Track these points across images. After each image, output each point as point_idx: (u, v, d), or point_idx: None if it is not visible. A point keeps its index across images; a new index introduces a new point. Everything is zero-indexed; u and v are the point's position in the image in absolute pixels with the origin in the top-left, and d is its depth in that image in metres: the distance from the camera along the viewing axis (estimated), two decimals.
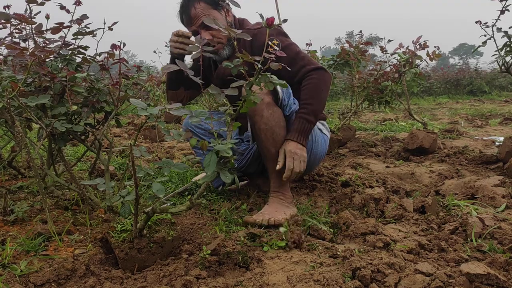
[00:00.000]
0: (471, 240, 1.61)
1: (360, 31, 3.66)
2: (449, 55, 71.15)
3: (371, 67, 5.35)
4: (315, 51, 4.19)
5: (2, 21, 1.91)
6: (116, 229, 1.65)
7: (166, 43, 6.95)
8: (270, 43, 2.03)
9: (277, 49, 2.03)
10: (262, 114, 1.93)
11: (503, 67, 2.87)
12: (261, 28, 2.13)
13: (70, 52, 2.03)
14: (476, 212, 1.87)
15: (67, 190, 2.35)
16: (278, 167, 1.91)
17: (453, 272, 1.28)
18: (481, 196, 2.10)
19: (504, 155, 2.78)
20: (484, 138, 4.34)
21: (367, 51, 3.61)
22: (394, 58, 3.84)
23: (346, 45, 3.86)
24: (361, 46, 3.81)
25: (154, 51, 6.87)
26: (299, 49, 2.10)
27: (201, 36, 1.89)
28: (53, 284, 1.39)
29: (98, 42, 2.20)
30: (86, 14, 2.22)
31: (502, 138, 3.88)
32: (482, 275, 1.19)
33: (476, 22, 2.88)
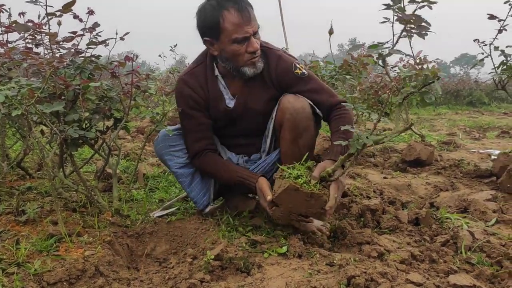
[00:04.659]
0: (461, 253, 1.70)
1: (363, 44, 3.75)
2: (451, 64, 71.45)
3: (373, 74, 5.44)
4: (318, 61, 4.28)
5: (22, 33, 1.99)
6: None
7: (171, 47, 7.07)
8: (298, 65, 2.02)
9: (306, 72, 2.02)
10: (311, 131, 1.95)
11: (499, 85, 2.97)
12: (283, 51, 2.11)
13: (83, 60, 2.12)
14: (467, 226, 1.95)
15: (75, 192, 2.44)
16: (330, 204, 1.70)
17: (441, 283, 1.37)
18: (473, 210, 2.18)
19: (498, 169, 2.87)
20: (481, 151, 4.43)
21: (369, 63, 3.71)
22: (395, 71, 3.94)
23: (349, 56, 3.95)
24: (362, 58, 3.91)
25: (159, 55, 7.00)
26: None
27: (253, 44, 1.87)
28: (64, 283, 1.48)
29: (110, 51, 2.29)
30: (97, 22, 2.31)
31: (497, 152, 3.96)
32: (468, 286, 1.28)
33: (474, 41, 2.97)
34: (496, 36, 2.91)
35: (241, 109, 2.07)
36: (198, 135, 2.09)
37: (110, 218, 2.04)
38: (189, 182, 2.14)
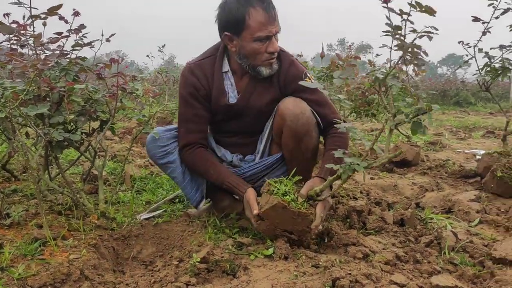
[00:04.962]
0: (445, 253, 1.72)
1: (350, 46, 3.78)
2: (438, 65, 72.12)
3: (363, 74, 5.48)
4: (306, 62, 4.30)
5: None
6: None
7: (160, 47, 7.06)
8: (309, 75, 2.04)
9: (314, 81, 1.99)
10: (312, 135, 1.96)
11: (483, 86, 3.01)
12: (295, 58, 2.13)
13: (68, 62, 2.11)
14: (451, 226, 1.98)
15: (60, 195, 2.42)
16: (316, 223, 1.75)
17: (424, 283, 1.39)
18: (457, 210, 2.22)
19: (482, 170, 2.91)
20: (466, 151, 4.49)
21: (356, 65, 3.74)
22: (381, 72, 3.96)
23: (340, 55, 3.98)
24: (350, 59, 3.94)
25: (147, 56, 6.98)
26: None
27: (274, 44, 1.90)
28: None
29: (95, 53, 2.28)
30: (83, 24, 2.30)
31: (482, 152, 4.02)
32: (450, 287, 1.30)
33: (459, 42, 3.01)
34: (480, 38, 2.95)
35: (243, 106, 2.06)
36: (193, 126, 2.08)
37: (96, 221, 2.03)
38: (181, 179, 2.14)
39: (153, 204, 2.38)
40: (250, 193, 1.90)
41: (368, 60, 3.95)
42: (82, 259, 1.66)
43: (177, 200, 2.48)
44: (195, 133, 2.08)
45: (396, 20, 1.60)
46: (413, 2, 1.46)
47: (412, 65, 1.64)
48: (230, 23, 1.90)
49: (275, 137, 2.09)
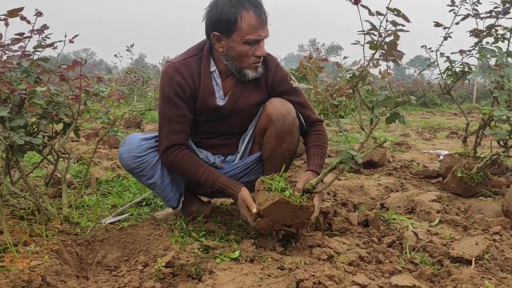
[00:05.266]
0: (406, 253, 1.77)
1: (317, 48, 3.83)
2: (406, 66, 73.81)
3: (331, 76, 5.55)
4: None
5: None
6: None
7: (128, 47, 6.95)
8: (293, 78, 2.11)
9: (297, 85, 2.12)
10: (294, 136, 2.01)
11: (444, 89, 3.11)
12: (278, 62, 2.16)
13: (30, 63, 2.06)
14: (412, 226, 2.04)
15: (23, 199, 2.36)
16: (315, 214, 1.85)
17: (384, 283, 1.43)
18: (419, 211, 2.28)
19: (444, 170, 3.01)
20: (430, 151, 4.62)
21: (323, 67, 3.79)
22: (349, 74, 4.03)
23: (312, 56, 4.02)
24: (318, 61, 3.99)
25: (115, 55, 6.87)
26: None
27: (262, 48, 1.91)
28: None
29: (58, 54, 2.24)
30: (46, 24, 2.25)
31: (446, 152, 4.15)
32: (408, 286, 1.34)
33: (422, 47, 3.09)
34: (441, 43, 3.05)
35: (231, 108, 2.05)
36: (177, 126, 2.00)
37: (59, 226, 1.99)
38: (160, 183, 2.08)
39: (119, 208, 2.35)
40: (245, 192, 1.91)
41: (336, 62, 4.01)
42: (44, 265, 1.62)
43: (144, 203, 2.46)
44: (179, 134, 2.01)
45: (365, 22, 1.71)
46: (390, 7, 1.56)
47: (390, 59, 1.73)
48: (221, 22, 1.88)
49: (257, 136, 2.10)
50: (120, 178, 2.96)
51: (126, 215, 2.24)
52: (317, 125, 2.12)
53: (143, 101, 6.77)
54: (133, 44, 6.66)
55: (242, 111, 2.07)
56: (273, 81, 2.06)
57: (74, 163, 3.50)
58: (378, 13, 1.64)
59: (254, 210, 1.80)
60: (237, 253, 1.75)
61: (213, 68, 2.03)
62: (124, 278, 1.59)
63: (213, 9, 1.91)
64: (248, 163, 2.12)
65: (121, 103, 5.72)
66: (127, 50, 6.64)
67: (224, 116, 2.07)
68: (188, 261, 1.63)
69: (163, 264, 1.57)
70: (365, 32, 1.71)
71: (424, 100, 13.42)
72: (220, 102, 2.05)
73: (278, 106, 1.98)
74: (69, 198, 2.34)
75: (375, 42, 1.71)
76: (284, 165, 1.96)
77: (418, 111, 11.79)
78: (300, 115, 2.04)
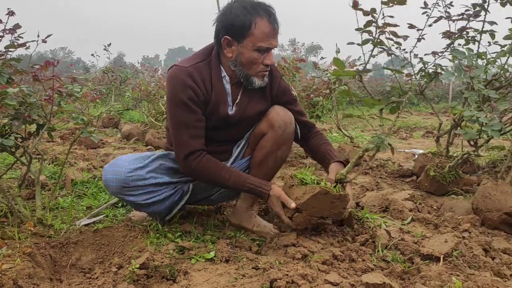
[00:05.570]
0: (378, 251, 1.81)
1: (294, 49, 3.87)
2: (385, 65, 74.68)
3: (312, 74, 5.60)
4: None
5: None
6: None
7: (105, 46, 6.87)
8: (292, 88, 2.20)
9: (296, 95, 2.22)
10: (289, 146, 2.06)
11: (418, 90, 3.17)
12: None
13: (1, 63, 2.03)
14: (385, 225, 2.08)
15: None
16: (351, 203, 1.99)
17: (356, 281, 1.46)
18: (392, 209, 2.33)
19: (418, 169, 3.07)
20: (406, 150, 4.71)
21: (300, 68, 3.82)
22: (326, 75, 4.08)
23: (292, 56, 4.05)
24: (296, 62, 4.02)
25: (92, 54, 6.79)
26: None
27: (271, 57, 1.92)
28: None
29: (31, 54, 2.21)
30: (18, 23, 2.22)
31: (420, 151, 4.23)
32: (378, 284, 1.37)
33: (396, 48, 3.15)
34: (415, 44, 3.10)
35: (239, 117, 2.04)
36: (196, 131, 1.93)
37: (32, 228, 1.96)
38: (160, 206, 2.01)
39: (94, 209, 2.33)
40: (278, 189, 1.92)
41: (313, 62, 4.05)
42: (16, 268, 1.60)
43: (119, 204, 2.44)
44: (198, 139, 1.94)
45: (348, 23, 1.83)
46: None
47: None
48: (235, 27, 1.86)
49: (252, 141, 2.10)
50: (96, 179, 2.93)
51: (101, 216, 2.22)
52: (315, 129, 2.24)
53: (121, 101, 6.70)
54: (110, 44, 6.60)
55: (247, 120, 2.08)
56: (277, 91, 2.10)
57: (49, 164, 3.45)
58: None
59: (293, 205, 1.83)
60: (212, 254, 1.76)
61: (223, 73, 2.00)
62: (98, 280, 1.58)
63: (227, 13, 1.89)
64: (243, 167, 2.11)
65: (97, 103, 5.65)
66: (104, 49, 6.58)
67: (231, 124, 2.06)
68: (162, 262, 1.63)
69: (137, 265, 1.57)
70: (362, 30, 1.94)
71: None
72: (230, 110, 2.03)
73: (282, 114, 2.01)
74: (43, 200, 2.31)
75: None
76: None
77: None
78: (297, 126, 2.10)
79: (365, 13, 2.39)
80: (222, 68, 2.00)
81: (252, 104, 2.06)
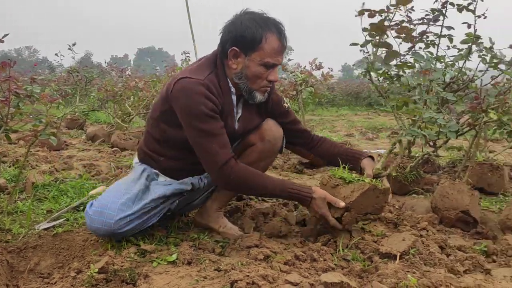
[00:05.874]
0: (339, 251, 1.84)
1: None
2: (354, 66, 75.98)
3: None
4: None
5: None
6: None
7: (70, 46, 6.73)
8: (285, 99, 2.25)
9: (289, 106, 2.26)
10: (273, 160, 2.13)
11: (380, 91, 3.24)
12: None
13: None
14: None
15: None
16: (391, 196, 2.04)
17: (315, 281, 1.48)
18: None
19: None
20: (372, 151, 4.80)
21: None
22: (293, 76, 4.12)
23: None
24: None
25: (56, 54, 6.63)
26: None
27: (275, 74, 1.92)
28: None
29: None
30: None
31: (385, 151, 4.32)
32: (336, 283, 1.40)
33: (360, 51, 3.21)
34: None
35: (241, 132, 2.05)
36: (223, 139, 1.86)
37: None
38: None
39: (55, 213, 2.28)
40: (321, 190, 1.91)
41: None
42: None
43: (81, 207, 2.39)
44: (228, 147, 1.87)
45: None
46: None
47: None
48: (245, 39, 1.83)
49: (239, 148, 2.10)
50: (58, 182, 2.86)
51: (61, 220, 2.17)
52: (315, 135, 2.29)
53: (86, 102, 6.57)
54: (75, 43, 6.46)
55: (244, 134, 2.08)
56: (272, 104, 2.14)
57: (9, 166, 3.35)
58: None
59: (343, 204, 1.85)
60: (174, 256, 1.75)
61: (230, 84, 1.96)
62: (56, 285, 1.56)
63: (237, 24, 1.86)
64: None
65: (61, 104, 5.52)
66: (69, 48, 6.43)
67: (236, 138, 2.06)
68: (122, 266, 1.61)
69: (96, 270, 1.55)
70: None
71: (370, 101, 13.89)
72: (235, 124, 2.02)
73: (274, 129, 2.07)
74: (0, 204, 2.25)
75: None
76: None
77: (364, 111, 12.18)
78: (284, 140, 2.15)
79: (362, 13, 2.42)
80: (228, 80, 1.97)
81: (251, 119, 2.08)
